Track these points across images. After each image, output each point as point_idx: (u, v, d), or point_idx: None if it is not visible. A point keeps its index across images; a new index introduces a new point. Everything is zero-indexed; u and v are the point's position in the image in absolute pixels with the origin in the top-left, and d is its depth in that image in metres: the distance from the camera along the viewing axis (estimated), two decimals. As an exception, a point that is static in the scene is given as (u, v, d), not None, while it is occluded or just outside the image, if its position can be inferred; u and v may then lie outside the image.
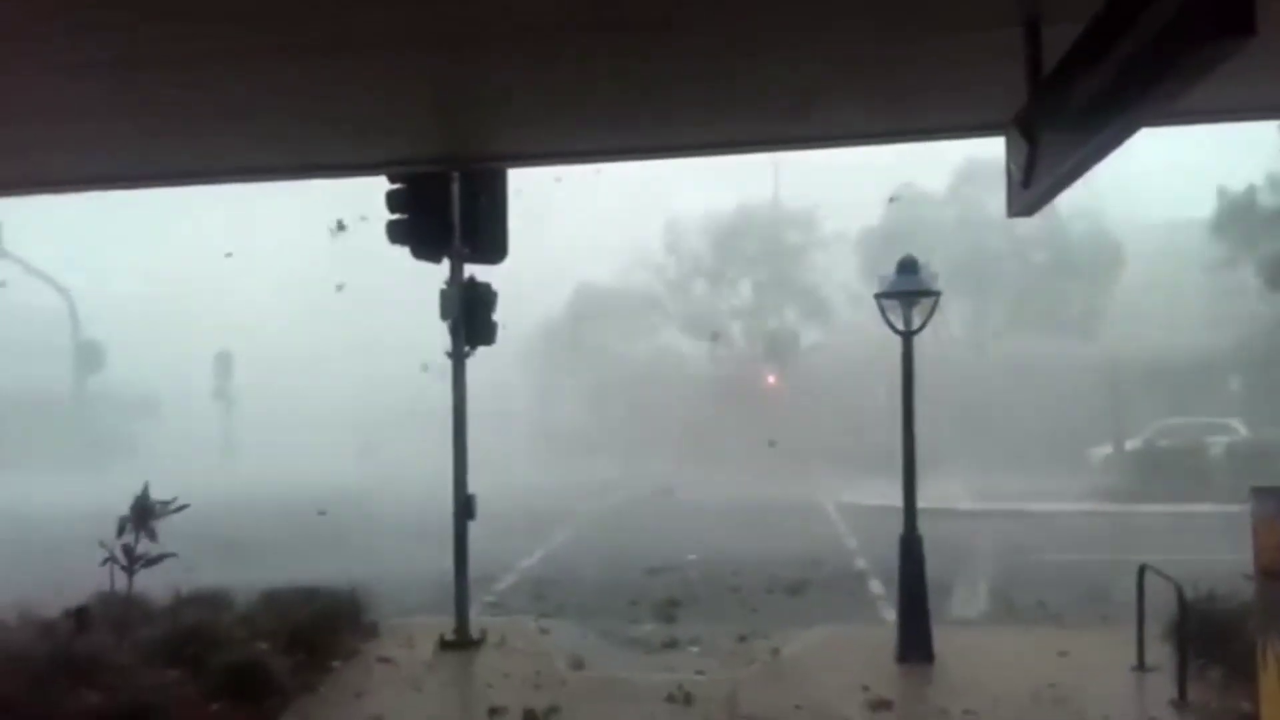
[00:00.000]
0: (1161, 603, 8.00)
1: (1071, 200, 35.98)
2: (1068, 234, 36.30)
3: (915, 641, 8.84)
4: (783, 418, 37.34)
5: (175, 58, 5.02)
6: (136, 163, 7.53)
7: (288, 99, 5.91)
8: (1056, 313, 36.08)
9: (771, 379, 39.13)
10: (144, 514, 8.33)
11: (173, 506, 8.43)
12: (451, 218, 9.93)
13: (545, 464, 37.80)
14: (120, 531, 8.64)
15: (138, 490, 8.54)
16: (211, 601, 9.65)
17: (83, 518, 9.75)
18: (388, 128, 6.72)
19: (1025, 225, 36.47)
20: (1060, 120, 3.82)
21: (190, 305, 42.09)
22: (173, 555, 9.00)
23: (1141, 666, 8.26)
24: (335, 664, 8.95)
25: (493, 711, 7.72)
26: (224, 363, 45.57)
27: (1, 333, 36.27)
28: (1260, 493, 5.73)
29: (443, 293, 10.06)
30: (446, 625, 10.02)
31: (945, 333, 38.35)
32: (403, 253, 10.29)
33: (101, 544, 9.07)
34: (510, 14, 4.56)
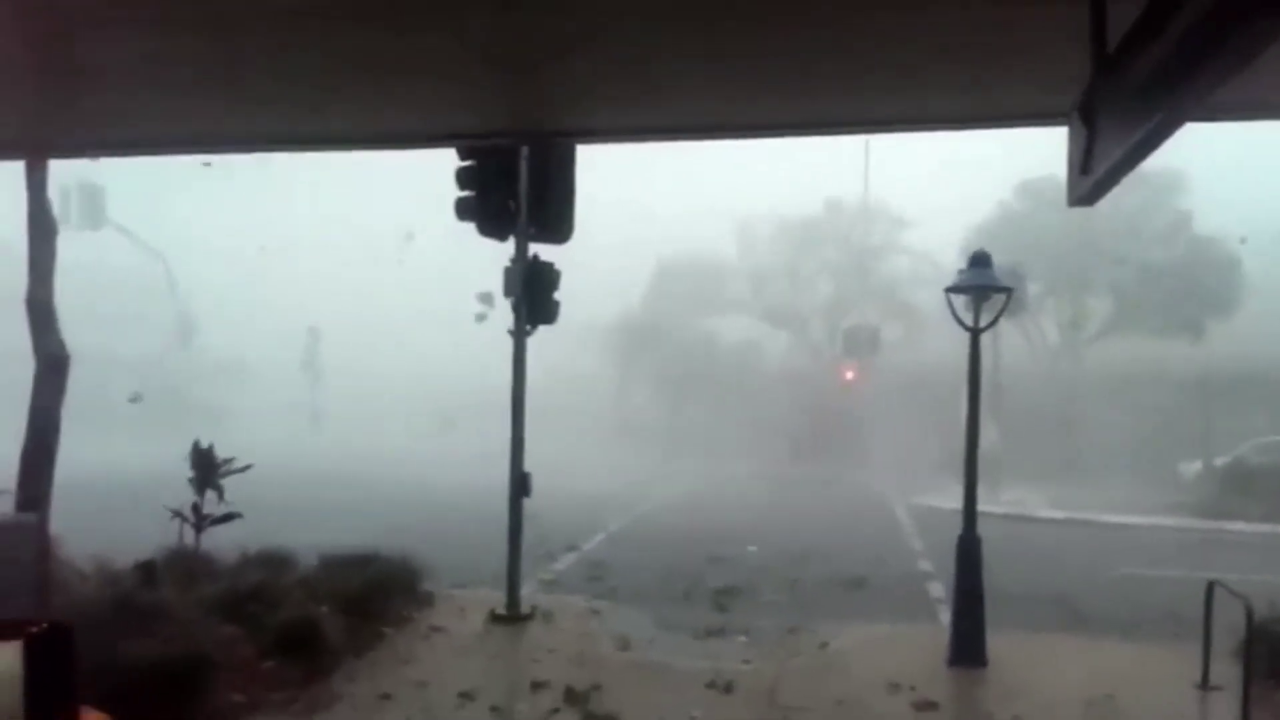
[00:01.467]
0: (1236, 622, 7.66)
1: (1185, 203, 34.73)
2: (1179, 238, 34.90)
3: (968, 644, 8.62)
4: (860, 414, 36.86)
5: (257, 19, 5.09)
6: (219, 127, 7.70)
7: (359, 67, 5.95)
8: (1160, 320, 34.70)
9: (850, 374, 38.56)
10: (207, 471, 8.57)
11: (235, 466, 8.67)
12: (518, 195, 9.98)
13: (620, 450, 38.00)
14: (195, 489, 8.95)
15: (200, 449, 8.79)
16: (274, 562, 9.91)
17: (169, 478, 10.12)
18: (457, 98, 6.73)
19: (1134, 228, 35.38)
20: (1118, 103, 3.65)
21: (284, 276, 43.35)
22: (239, 516, 9.30)
23: (1205, 685, 7.93)
24: (388, 630, 9.12)
25: (535, 685, 7.78)
26: (314, 336, 46.86)
27: (103, 299, 37.82)
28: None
29: (506, 270, 10.14)
30: (500, 599, 10.13)
31: (1039, 336, 37.41)
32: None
33: (166, 508, 9.42)
34: None
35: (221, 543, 9.75)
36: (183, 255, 43.39)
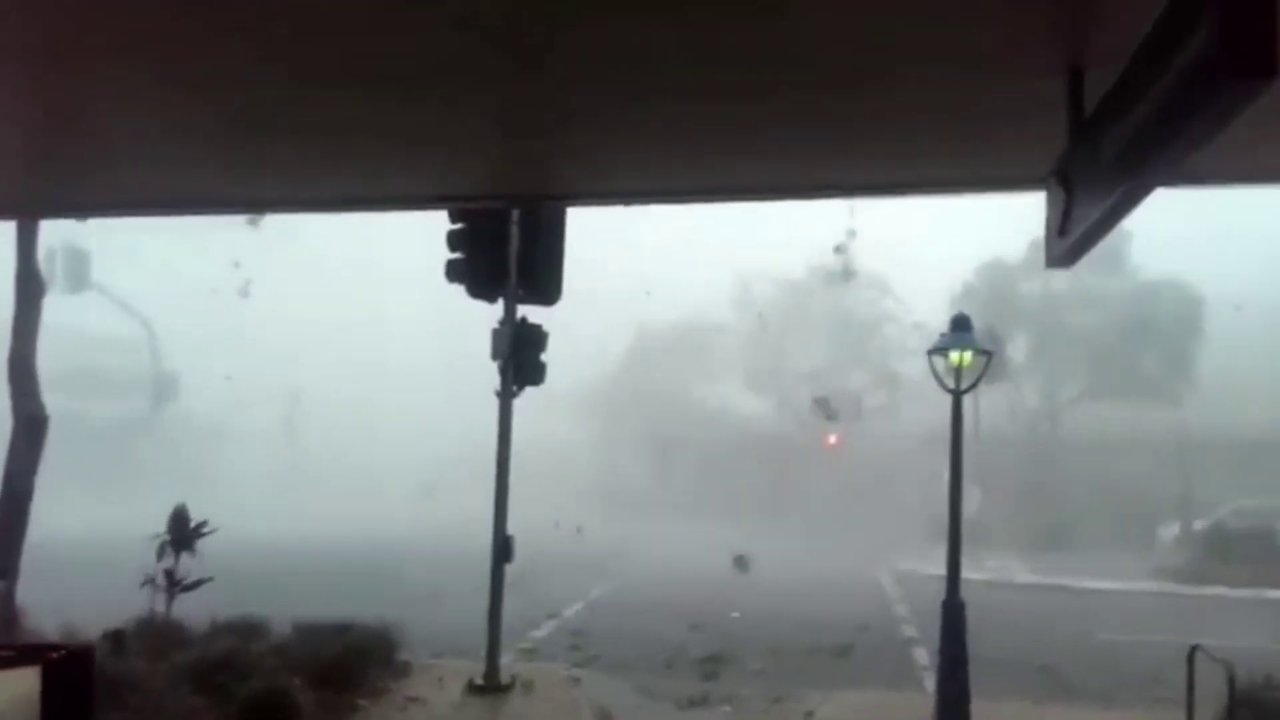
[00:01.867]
0: (1219, 687, 7.59)
1: (1155, 272, 35.39)
2: (1150, 306, 35.50)
3: (953, 713, 8.50)
4: (842, 480, 36.83)
5: (253, 84, 5.13)
6: (211, 190, 7.70)
7: (350, 131, 5.98)
8: (1133, 386, 35.19)
9: (833, 439, 38.65)
10: (183, 534, 8.45)
11: (205, 530, 8.54)
12: (508, 258, 10.05)
13: (602, 515, 37.74)
14: (160, 555, 8.79)
15: (178, 511, 8.68)
16: (246, 630, 9.71)
17: (145, 542, 9.95)
18: (449, 162, 6.76)
19: (1106, 298, 35.99)
20: (1094, 168, 3.73)
21: (265, 340, 43.25)
22: (209, 580, 9.13)
23: (1193, 753, 7.82)
24: (362, 701, 8.92)
25: (513, 758, 7.61)
26: (294, 398, 46.56)
27: (85, 361, 37.57)
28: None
29: (494, 332, 10.16)
30: (479, 669, 9.94)
31: (1019, 402, 37.70)
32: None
33: (145, 574, 9.26)
34: (578, 47, 4.59)
35: (193, 610, 9.56)
36: (167, 317, 43.28)
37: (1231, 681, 7.14)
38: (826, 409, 38.98)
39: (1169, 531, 26.93)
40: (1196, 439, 29.58)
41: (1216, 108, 2.73)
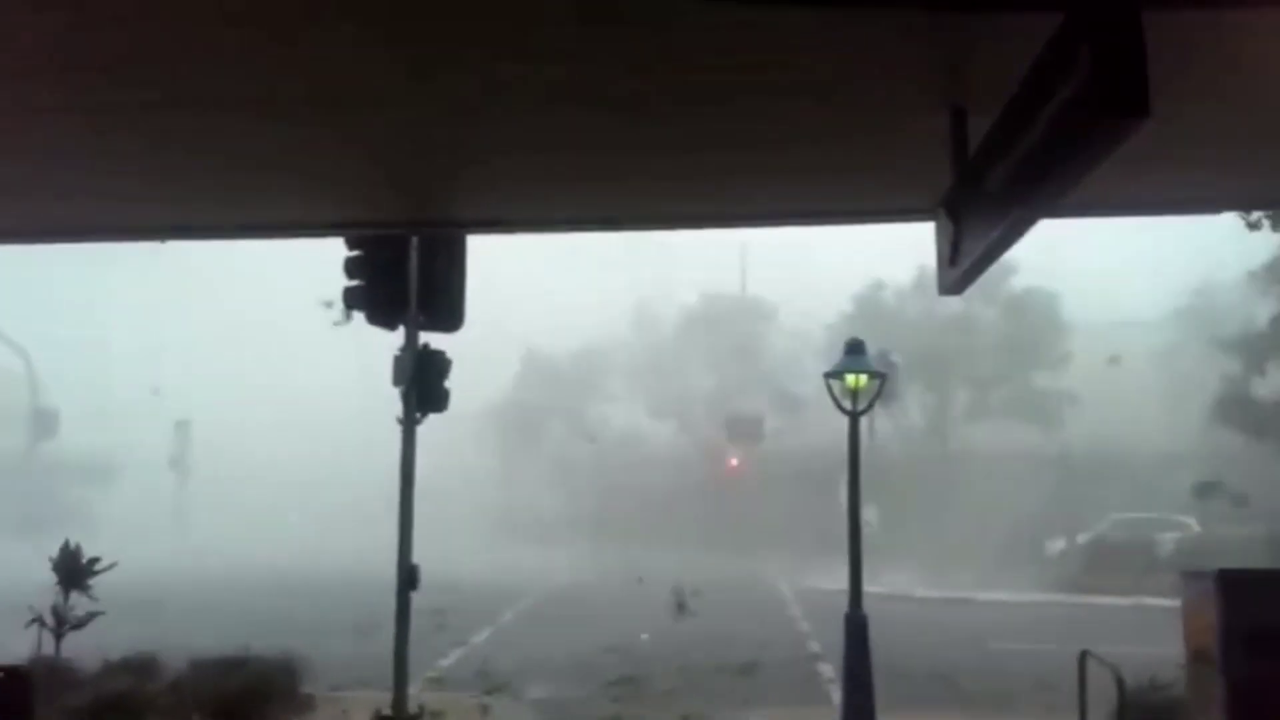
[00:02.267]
0: (1107, 692, 7.97)
1: (1033, 294, 37.05)
2: (1028, 329, 37.13)
3: (858, 725, 8.73)
4: (744, 501, 37.33)
5: (140, 108, 5.04)
6: (93, 216, 7.50)
7: (245, 155, 5.93)
8: (1018, 406, 36.74)
9: (734, 462, 39.18)
10: (73, 572, 8.14)
11: (100, 567, 8.24)
12: (408, 284, 9.98)
13: (503, 542, 37.40)
14: (65, 594, 8.45)
15: (66, 548, 8.36)
16: (140, 668, 9.38)
17: (25, 585, 9.51)
18: (344, 187, 6.72)
19: (988, 321, 37.53)
20: (980, 201, 3.96)
21: (149, 372, 41.74)
22: (100, 614, 8.80)
23: (1083, 755, 8.19)
24: (264, 736, 8.70)
25: (424, 789, 7.52)
26: (183, 432, 44.93)
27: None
28: (1189, 577, 5.81)
29: (395, 359, 10.07)
30: (386, 700, 9.77)
31: (907, 423, 38.84)
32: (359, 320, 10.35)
33: (31, 608, 8.88)
34: (477, 77, 4.66)
35: (85, 649, 9.19)
36: (50, 351, 41.36)
37: (1120, 684, 7.51)
38: (736, 429, 39.55)
39: (1055, 545, 28.05)
40: (1079, 456, 30.95)
41: (1092, 145, 2.96)
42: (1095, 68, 2.79)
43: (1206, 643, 5.54)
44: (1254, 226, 16.51)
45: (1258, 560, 18.15)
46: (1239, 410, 25.69)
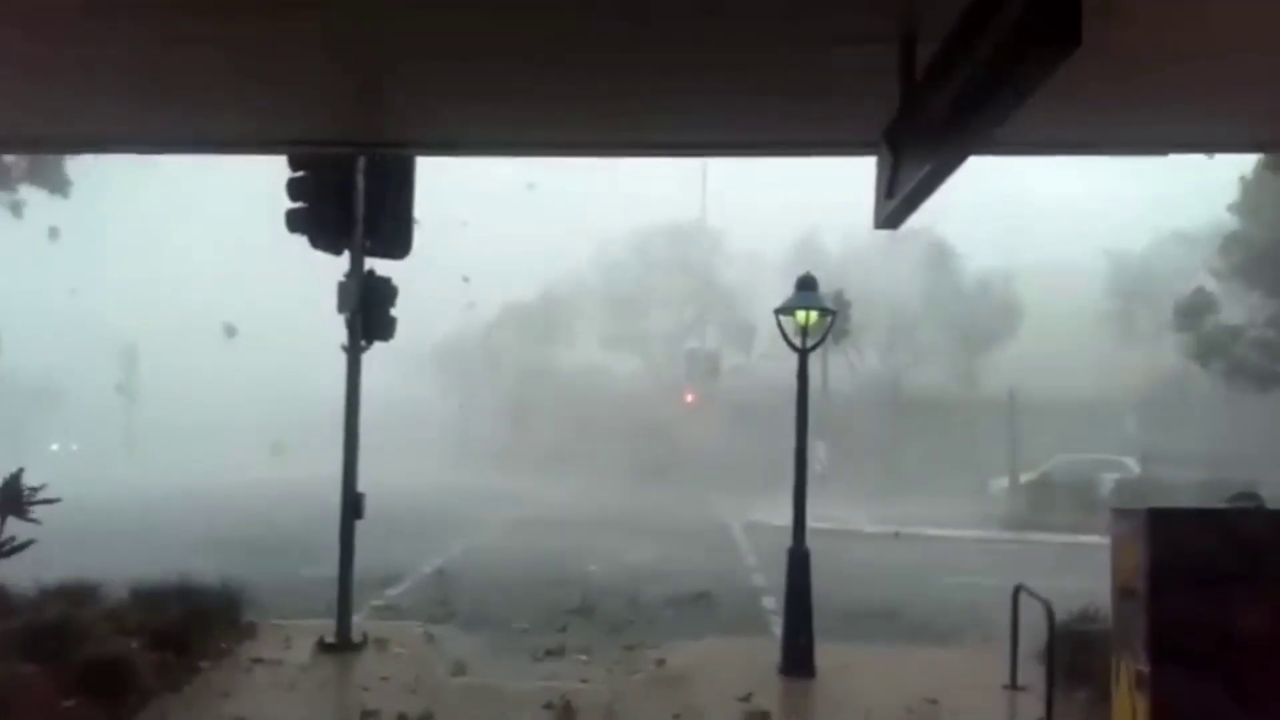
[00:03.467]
0: (1042, 624, 8.16)
1: (982, 236, 37.38)
2: (977, 274, 37.58)
3: (798, 655, 8.88)
4: (697, 436, 37.62)
5: (83, 12, 4.79)
6: (42, 126, 7.21)
7: (188, 66, 5.68)
8: (968, 350, 37.28)
9: (690, 398, 39.35)
10: (11, 499, 7.96)
11: (40, 495, 8.06)
12: (355, 208, 9.76)
13: (461, 473, 37.45)
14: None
15: (11, 477, 8.15)
16: (78, 595, 9.27)
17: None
18: (286, 101, 6.50)
19: (944, 266, 37.88)
20: (919, 134, 3.91)
21: (96, 296, 40.88)
22: (32, 543, 8.64)
23: (1013, 685, 8.42)
24: (204, 664, 8.66)
25: (365, 715, 7.54)
26: (129, 356, 44.22)
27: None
28: (1118, 514, 5.88)
29: (340, 285, 9.88)
30: (330, 627, 9.78)
31: (861, 365, 39.22)
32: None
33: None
34: None
35: (22, 576, 9.05)
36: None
37: (1050, 616, 7.69)
38: (693, 367, 39.74)
39: (999, 484, 28.65)
40: (1029, 398, 31.45)
41: (1027, 73, 2.91)
42: (1031, -4, 2.74)
43: (1133, 578, 5.62)
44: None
45: (1191, 500, 18.67)
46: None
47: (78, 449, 42.84)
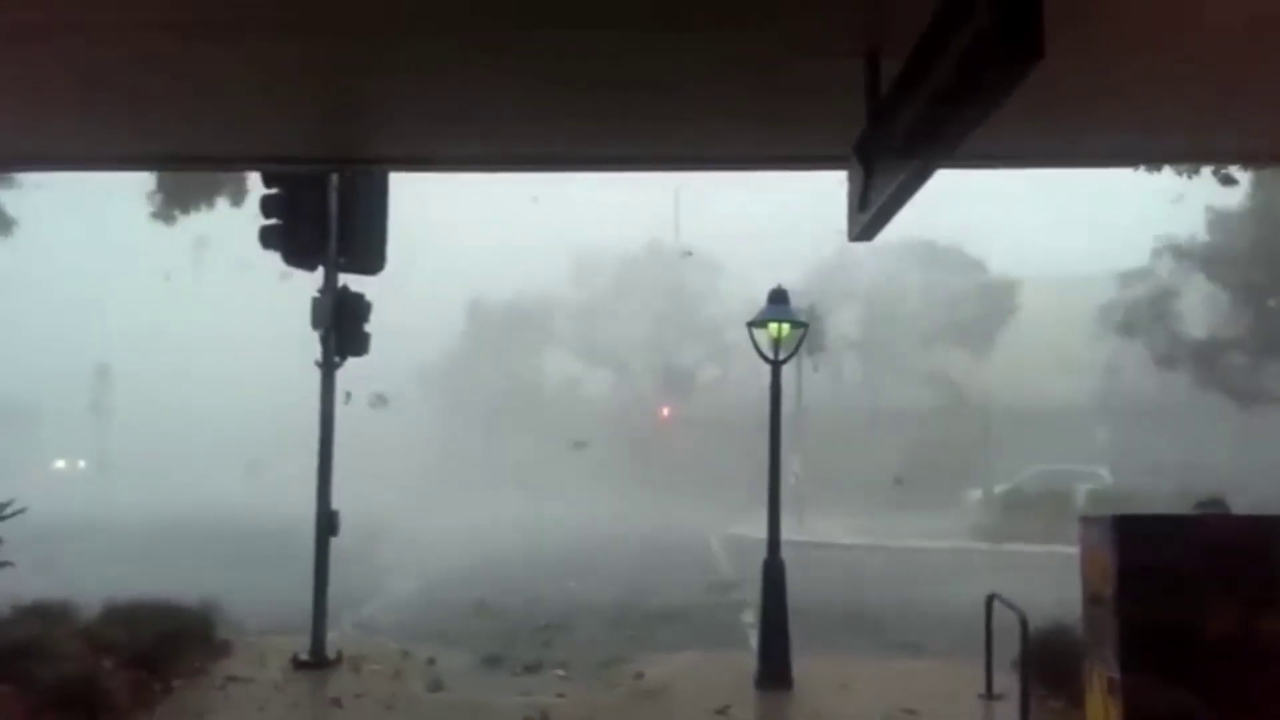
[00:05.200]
0: (1015, 633, 8.21)
1: (961, 255, 37.74)
2: (955, 288, 37.86)
3: (775, 668, 8.90)
4: (674, 450, 37.63)
5: (59, 31, 4.79)
6: (15, 145, 7.18)
7: (160, 82, 5.68)
8: (943, 363, 37.53)
9: (665, 411, 39.40)
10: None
11: (8, 511, 7.99)
12: (328, 224, 9.75)
13: (438, 488, 37.25)
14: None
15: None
16: (51, 615, 9.14)
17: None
18: (265, 119, 6.49)
19: (918, 281, 38.17)
20: (888, 147, 3.97)
21: (69, 316, 40.50)
22: (9, 565, 8.58)
23: (989, 695, 8.48)
24: (177, 683, 8.58)
25: (338, 732, 7.51)
26: (103, 375, 43.82)
27: None
28: (1087, 522, 5.96)
29: (314, 301, 9.86)
30: (304, 645, 9.72)
31: (840, 378, 39.40)
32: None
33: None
34: (403, 8, 4.51)
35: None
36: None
37: (1024, 625, 7.76)
38: (670, 381, 39.79)
39: (974, 495, 28.84)
40: (1002, 409, 31.72)
41: (991, 87, 2.97)
42: (993, 11, 2.81)
43: (1102, 585, 5.69)
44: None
45: (1163, 508, 18.85)
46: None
47: (84, 466, 42.55)
